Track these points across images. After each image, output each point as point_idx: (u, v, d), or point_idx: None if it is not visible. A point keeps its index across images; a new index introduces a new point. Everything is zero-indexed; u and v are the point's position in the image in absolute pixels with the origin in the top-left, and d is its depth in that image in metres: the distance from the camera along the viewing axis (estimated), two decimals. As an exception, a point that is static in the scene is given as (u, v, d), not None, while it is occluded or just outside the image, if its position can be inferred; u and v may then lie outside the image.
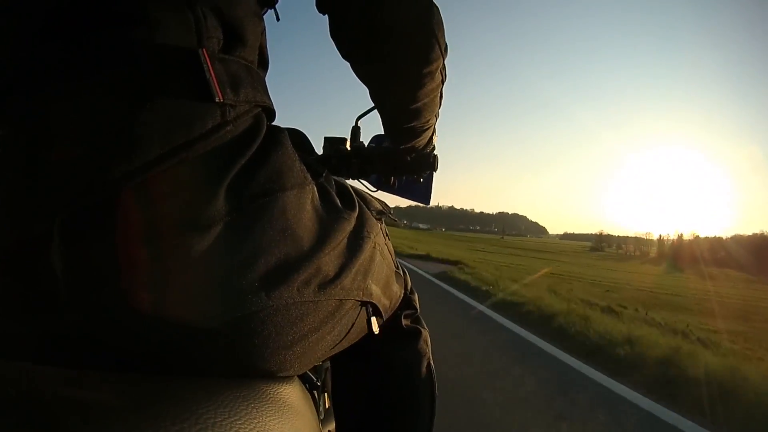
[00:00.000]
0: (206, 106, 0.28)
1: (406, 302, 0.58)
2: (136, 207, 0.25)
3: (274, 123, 0.36)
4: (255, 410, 0.26)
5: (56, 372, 0.23)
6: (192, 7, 0.28)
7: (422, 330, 0.59)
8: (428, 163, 0.66)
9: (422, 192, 0.76)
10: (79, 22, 0.25)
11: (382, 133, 0.63)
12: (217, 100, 0.28)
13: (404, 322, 0.56)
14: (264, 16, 0.38)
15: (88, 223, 0.24)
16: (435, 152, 0.66)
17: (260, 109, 0.33)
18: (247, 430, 0.23)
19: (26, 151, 0.24)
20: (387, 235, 0.53)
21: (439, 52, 0.44)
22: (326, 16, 0.42)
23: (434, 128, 0.59)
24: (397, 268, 0.55)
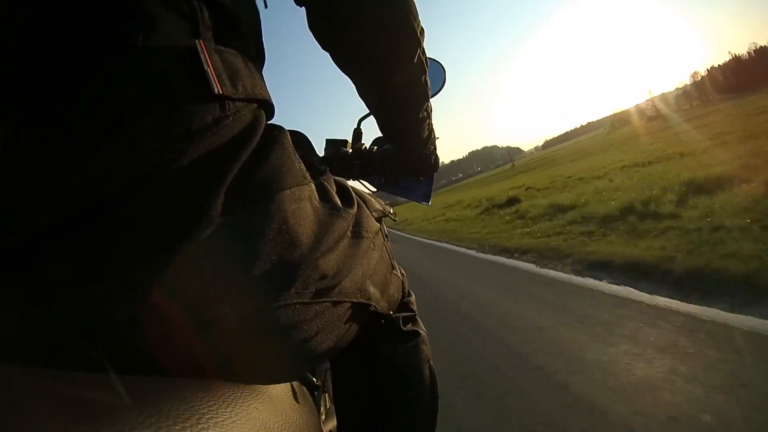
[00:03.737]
0: (205, 99, 0.27)
1: (404, 304, 0.58)
2: (133, 205, 0.25)
3: (274, 123, 0.35)
4: (256, 410, 0.26)
5: (55, 372, 0.23)
6: None
7: (421, 332, 0.58)
8: (429, 163, 0.66)
9: (423, 192, 0.77)
10: (73, 19, 0.25)
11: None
12: (216, 91, 0.27)
13: (403, 324, 0.56)
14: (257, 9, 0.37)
15: (84, 220, 0.24)
16: (436, 152, 0.66)
17: (258, 104, 0.32)
18: (248, 429, 0.23)
19: (25, 149, 0.24)
20: (386, 236, 0.53)
21: (416, 35, 0.43)
22: (303, 9, 0.42)
23: (432, 127, 0.58)
24: (395, 269, 0.55)
